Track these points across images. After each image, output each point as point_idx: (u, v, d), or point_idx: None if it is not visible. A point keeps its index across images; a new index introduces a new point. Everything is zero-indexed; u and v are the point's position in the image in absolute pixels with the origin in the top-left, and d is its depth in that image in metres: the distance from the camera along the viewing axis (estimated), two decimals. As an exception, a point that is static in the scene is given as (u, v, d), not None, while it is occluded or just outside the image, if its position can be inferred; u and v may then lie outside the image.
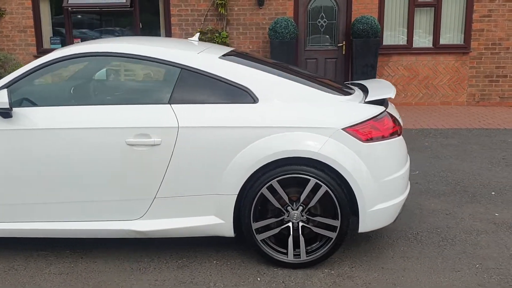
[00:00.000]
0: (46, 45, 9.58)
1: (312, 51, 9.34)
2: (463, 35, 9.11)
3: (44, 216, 3.27)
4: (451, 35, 9.21)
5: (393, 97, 3.38)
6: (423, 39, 9.24)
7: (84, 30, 9.90)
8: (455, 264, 3.32)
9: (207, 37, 9.18)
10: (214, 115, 3.17)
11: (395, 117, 3.37)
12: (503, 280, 3.12)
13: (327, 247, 3.22)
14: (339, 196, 3.14)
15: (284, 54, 8.64)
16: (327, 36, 9.31)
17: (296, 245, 3.23)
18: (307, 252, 3.24)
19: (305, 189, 3.15)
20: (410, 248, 3.56)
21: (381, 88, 3.63)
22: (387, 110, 3.33)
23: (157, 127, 3.13)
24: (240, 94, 3.24)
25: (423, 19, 9.19)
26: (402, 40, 9.28)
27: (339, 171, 3.11)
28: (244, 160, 3.12)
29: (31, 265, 3.32)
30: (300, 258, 3.23)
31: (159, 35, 9.51)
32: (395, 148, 3.28)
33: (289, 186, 3.20)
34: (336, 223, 3.19)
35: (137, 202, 3.22)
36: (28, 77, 3.29)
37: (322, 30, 9.27)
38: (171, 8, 9.25)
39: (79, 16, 9.71)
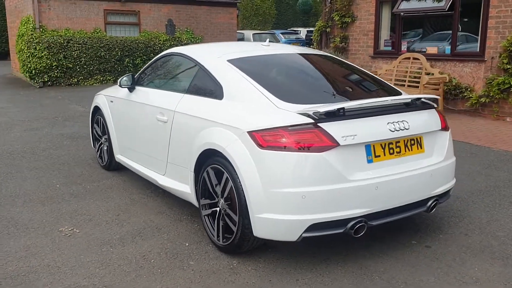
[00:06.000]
0: (381, 47, 10.64)
1: None
2: None
3: (135, 159, 4.92)
4: None
5: (334, 108, 3.14)
6: None
7: (411, 33, 10.37)
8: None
9: (521, 41, 7.93)
10: (192, 104, 3.91)
11: (330, 135, 3.11)
12: None
13: (232, 238, 3.44)
14: (238, 194, 3.31)
15: None
16: None
17: (223, 229, 3.59)
18: (225, 238, 3.55)
19: (221, 181, 3.49)
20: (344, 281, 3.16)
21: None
22: (319, 124, 3.14)
23: (166, 109, 4.18)
24: (219, 92, 3.80)
25: None
26: None
27: (235, 169, 3.29)
28: (194, 146, 3.75)
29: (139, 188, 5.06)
30: (219, 241, 3.59)
31: (476, 38, 8.89)
32: (297, 163, 3.07)
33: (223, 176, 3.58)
34: (236, 218, 3.36)
35: (162, 162, 4.37)
36: (148, 69, 4.98)
37: None
38: (490, 9, 8.46)
39: (407, 21, 10.20)
